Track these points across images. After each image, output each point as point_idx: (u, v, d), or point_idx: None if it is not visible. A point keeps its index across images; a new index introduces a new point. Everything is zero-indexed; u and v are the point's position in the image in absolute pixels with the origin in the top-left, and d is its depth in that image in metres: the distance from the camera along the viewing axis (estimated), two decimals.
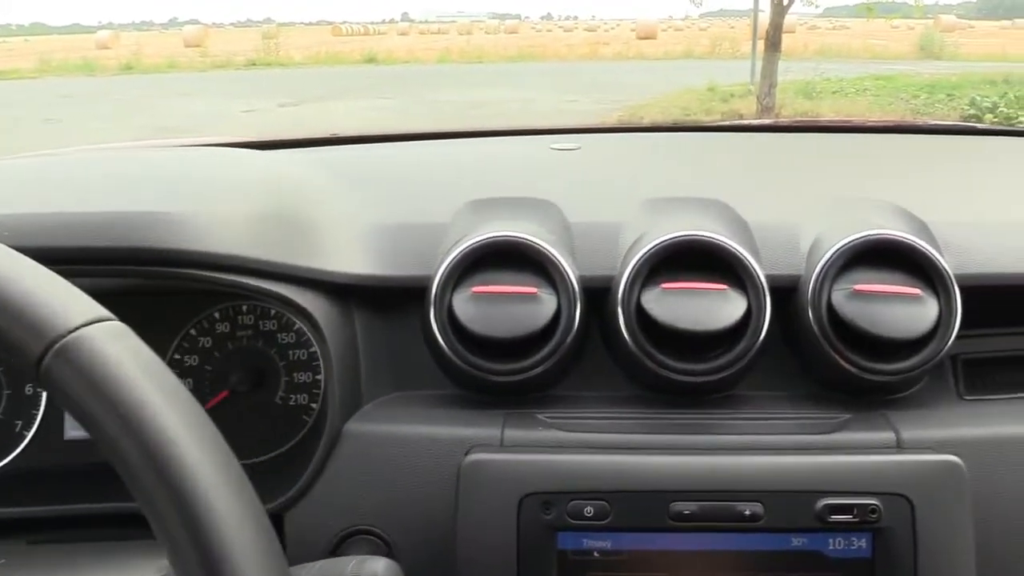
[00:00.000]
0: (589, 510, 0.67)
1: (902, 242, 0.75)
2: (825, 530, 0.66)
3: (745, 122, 1.40)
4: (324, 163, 1.01)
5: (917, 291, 0.74)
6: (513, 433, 0.74)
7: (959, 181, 1.00)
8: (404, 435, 0.75)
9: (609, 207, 0.84)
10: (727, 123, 1.35)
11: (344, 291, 0.80)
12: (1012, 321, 0.83)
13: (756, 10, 12.62)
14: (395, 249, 0.81)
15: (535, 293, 0.75)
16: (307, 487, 0.75)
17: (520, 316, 0.74)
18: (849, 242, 0.76)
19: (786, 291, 0.78)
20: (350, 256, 0.81)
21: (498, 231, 0.77)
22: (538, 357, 0.75)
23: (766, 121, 1.41)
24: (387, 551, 0.74)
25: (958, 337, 0.74)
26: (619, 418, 0.77)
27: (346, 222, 0.84)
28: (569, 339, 0.75)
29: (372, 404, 0.80)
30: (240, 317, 0.86)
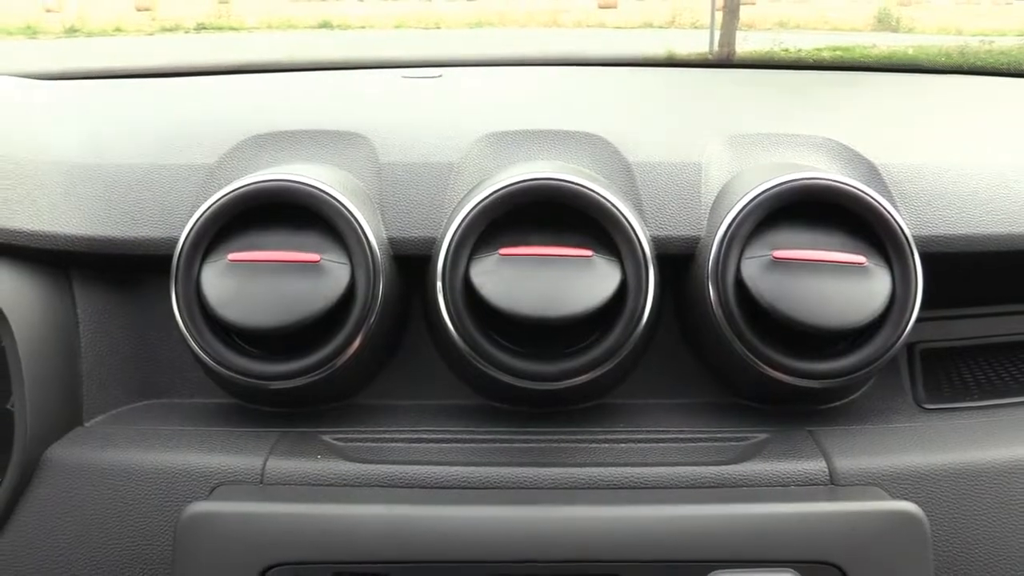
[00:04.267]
0: None
1: (842, 190, 0.54)
2: None
3: (659, 58, 1.18)
4: (87, 98, 0.77)
5: (862, 260, 0.52)
6: (281, 464, 0.52)
7: (921, 120, 0.78)
8: (127, 466, 0.53)
9: (445, 144, 0.61)
10: (636, 58, 1.12)
11: (54, 260, 0.57)
12: (981, 298, 0.62)
13: None
14: (135, 202, 0.58)
15: (317, 261, 0.52)
16: None
17: (295, 294, 0.51)
18: (767, 190, 0.53)
19: (680, 260, 0.57)
20: (65, 211, 0.57)
21: (269, 174, 0.55)
22: (324, 354, 0.52)
23: (689, 57, 1.20)
24: None
25: (916, 321, 0.53)
26: (441, 439, 0.55)
27: (66, 165, 0.60)
28: (368, 326, 0.52)
29: (100, 419, 0.58)
30: None
